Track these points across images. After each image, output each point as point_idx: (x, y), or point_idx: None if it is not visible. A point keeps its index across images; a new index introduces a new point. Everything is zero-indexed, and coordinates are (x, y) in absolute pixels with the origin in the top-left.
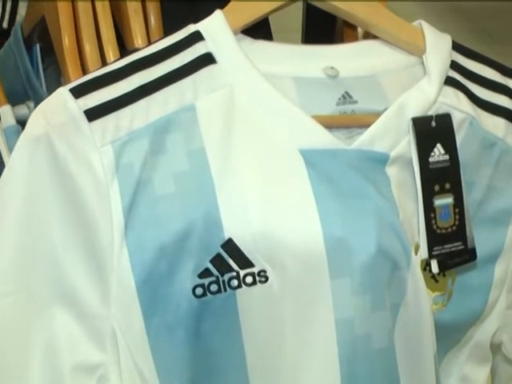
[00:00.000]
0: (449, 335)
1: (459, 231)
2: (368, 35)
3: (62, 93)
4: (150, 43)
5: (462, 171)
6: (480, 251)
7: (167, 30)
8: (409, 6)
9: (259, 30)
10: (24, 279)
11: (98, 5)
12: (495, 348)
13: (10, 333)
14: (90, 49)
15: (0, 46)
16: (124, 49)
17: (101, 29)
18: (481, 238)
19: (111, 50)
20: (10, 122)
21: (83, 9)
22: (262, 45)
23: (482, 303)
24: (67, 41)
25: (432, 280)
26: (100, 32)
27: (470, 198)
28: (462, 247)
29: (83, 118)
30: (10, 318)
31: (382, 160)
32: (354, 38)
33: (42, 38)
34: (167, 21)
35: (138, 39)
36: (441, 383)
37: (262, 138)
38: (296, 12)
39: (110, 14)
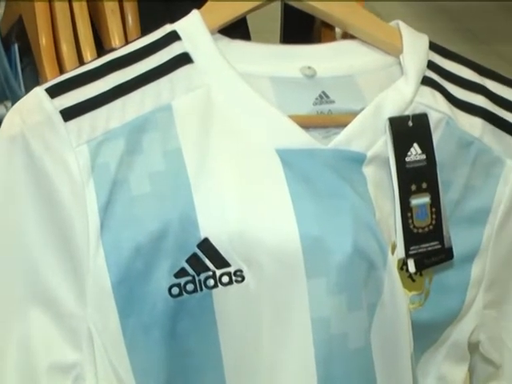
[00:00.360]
0: (426, 334)
1: (436, 231)
2: (346, 35)
3: (38, 92)
4: (127, 43)
5: (438, 171)
6: (457, 251)
7: (144, 30)
8: (394, 6)
9: (237, 29)
10: (0, 279)
11: (76, 5)
12: (473, 347)
13: None
14: (67, 48)
15: None
16: (101, 49)
17: (78, 29)
18: (458, 238)
19: (88, 50)
20: None
21: (60, 9)
22: (239, 44)
23: (459, 302)
24: (44, 40)
25: (409, 279)
26: (77, 32)
27: (446, 198)
28: (439, 246)
29: (59, 117)
30: None
31: (358, 160)
32: (332, 38)
33: (20, 37)
34: (144, 21)
35: (116, 39)
36: (418, 383)
37: (239, 137)
38: (274, 12)
39: (88, 14)
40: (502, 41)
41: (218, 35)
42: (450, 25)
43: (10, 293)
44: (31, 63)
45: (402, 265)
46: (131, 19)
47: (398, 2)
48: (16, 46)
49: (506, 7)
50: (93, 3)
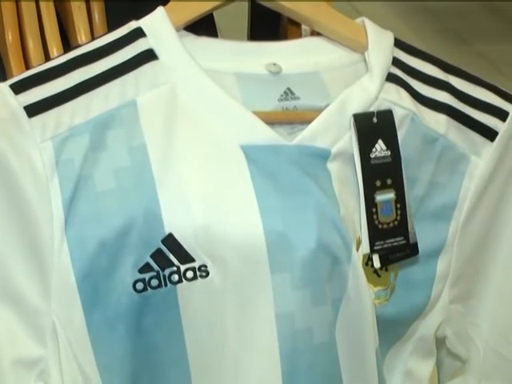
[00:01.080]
0: (392, 329)
1: (401, 226)
2: (314, 33)
3: (2, 88)
4: (93, 39)
5: (403, 167)
6: (422, 246)
7: (111, 27)
8: (376, 6)
9: (203, 26)
10: None
11: (42, 2)
12: (440, 342)
13: None
14: (33, 45)
15: None
16: (68, 45)
17: (44, 25)
18: (423, 234)
19: (55, 47)
20: None
21: (27, 5)
22: (205, 41)
23: (425, 298)
24: (11, 37)
25: (374, 275)
26: (44, 29)
27: (412, 194)
28: (404, 242)
29: (23, 113)
30: None
31: (323, 156)
32: (298, 36)
33: None
34: (111, 17)
35: (82, 36)
36: (384, 378)
37: (203, 133)
38: (243, 10)
39: (54, 11)
40: (483, 41)
41: (184, 32)
42: (432, 25)
43: None
44: None
45: (367, 260)
46: (98, 16)
47: (380, 1)
48: None
49: (488, 7)
50: (59, 2)
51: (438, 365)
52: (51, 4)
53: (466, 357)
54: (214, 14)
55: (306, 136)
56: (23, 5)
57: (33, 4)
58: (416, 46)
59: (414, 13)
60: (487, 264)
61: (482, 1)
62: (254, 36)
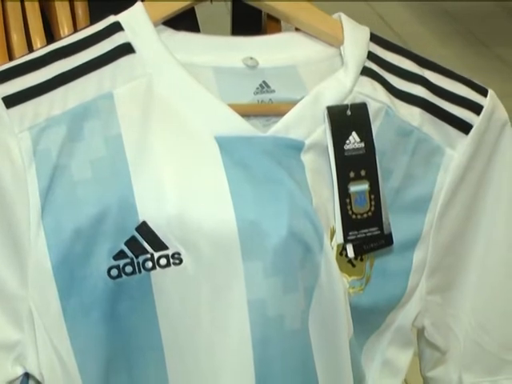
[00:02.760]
0: (369, 319)
1: (375, 217)
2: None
3: None
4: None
5: (378, 159)
6: (398, 237)
7: (94, 21)
8: (395, 8)
9: (184, 22)
10: None
11: None
12: (420, 333)
13: None
14: (17, 38)
15: None
16: (52, 39)
17: (29, 19)
18: (399, 225)
19: (38, 40)
20: None
21: (12, 1)
22: (183, 36)
23: (401, 288)
24: None
25: (349, 264)
26: (28, 23)
27: (387, 186)
28: (378, 232)
29: (1, 104)
30: None
31: (296, 147)
32: (277, 31)
33: None
34: (95, 13)
35: (65, 29)
36: (360, 366)
37: (178, 125)
38: (227, 5)
39: (38, 6)
40: (503, 44)
41: (162, 27)
42: (452, 27)
43: None
44: None
45: (342, 250)
46: (81, 11)
47: (400, 3)
48: None
49: (508, 10)
50: None
51: (420, 355)
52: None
53: (444, 347)
54: (199, 11)
55: (280, 127)
56: (7, 1)
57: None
58: (422, 55)
59: (434, 15)
60: (465, 256)
61: (502, 1)
62: (236, 31)
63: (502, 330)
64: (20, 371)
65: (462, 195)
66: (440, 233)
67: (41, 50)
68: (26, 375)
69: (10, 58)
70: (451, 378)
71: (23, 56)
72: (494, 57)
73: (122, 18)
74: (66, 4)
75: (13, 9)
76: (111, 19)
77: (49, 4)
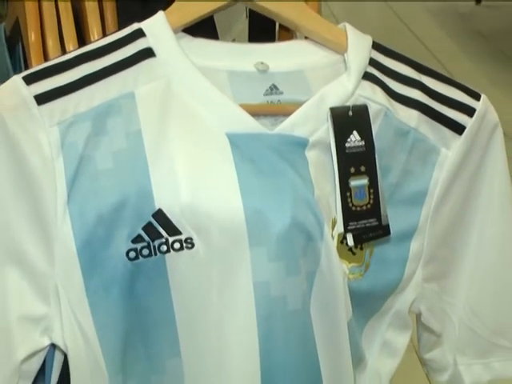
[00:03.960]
0: (368, 303)
1: (374, 209)
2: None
3: (16, 80)
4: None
5: (377, 157)
6: (396, 229)
7: (122, 28)
8: (431, 29)
9: (202, 29)
10: None
11: (61, 5)
12: (417, 318)
13: None
14: (52, 44)
15: None
16: (84, 44)
17: (63, 26)
18: (397, 217)
19: (71, 45)
20: None
21: (47, 8)
22: (200, 42)
23: (399, 275)
24: (33, 37)
25: (349, 252)
26: (62, 29)
27: (386, 181)
28: (376, 223)
29: (33, 101)
30: None
31: (301, 144)
32: (289, 39)
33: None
34: (122, 19)
35: (95, 35)
36: (359, 347)
37: (193, 122)
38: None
39: (71, 14)
40: None
41: (182, 33)
42: (484, 46)
43: None
44: None
45: (343, 239)
46: (110, 18)
47: (435, 24)
48: (20, 46)
49: None
50: (76, 3)
51: (418, 339)
52: (69, 7)
53: (439, 331)
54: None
55: (286, 126)
56: (44, 8)
57: (53, 7)
58: (423, 63)
59: (467, 35)
60: (460, 247)
61: None
62: (252, 40)
63: (494, 317)
64: (47, 342)
65: (456, 191)
66: (435, 225)
67: (69, 54)
68: (53, 346)
69: (46, 61)
70: (447, 360)
71: (53, 59)
72: None
73: (144, 25)
74: (97, 13)
75: (49, 17)
76: (135, 26)
77: (81, 12)
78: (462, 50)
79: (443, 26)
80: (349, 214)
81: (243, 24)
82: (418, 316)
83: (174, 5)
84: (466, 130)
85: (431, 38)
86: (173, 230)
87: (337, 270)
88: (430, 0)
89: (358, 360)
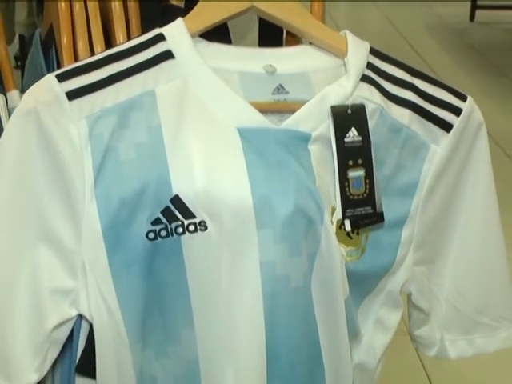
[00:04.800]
0: (363, 283)
1: (369, 198)
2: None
3: (49, 78)
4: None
5: (373, 151)
6: (389, 217)
7: (144, 32)
8: (430, 44)
9: (217, 35)
10: (13, 220)
11: (91, 12)
12: (408, 298)
13: (2, 261)
14: (82, 46)
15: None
16: (110, 46)
17: (92, 31)
18: (390, 206)
19: (99, 48)
20: (16, 103)
21: (78, 15)
22: (215, 46)
23: (391, 258)
24: (65, 40)
25: (347, 237)
26: (91, 33)
27: (381, 173)
28: (372, 211)
29: (64, 97)
30: (4, 248)
31: (304, 138)
32: (295, 44)
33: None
34: (145, 25)
35: (120, 38)
36: (355, 323)
37: (207, 117)
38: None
39: (99, 19)
40: None
41: (198, 38)
42: (478, 60)
43: (23, 231)
44: None
45: (341, 224)
46: (134, 23)
47: (433, 39)
48: (53, 49)
49: None
50: (104, 10)
51: (409, 317)
52: (98, 14)
53: (428, 310)
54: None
55: (291, 122)
56: (76, 15)
57: (83, 14)
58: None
59: (462, 49)
60: (447, 234)
61: None
62: (262, 44)
63: (477, 297)
64: (74, 312)
65: (444, 183)
66: (425, 214)
67: (97, 55)
68: (80, 316)
69: (76, 61)
70: (434, 336)
71: (83, 59)
72: None
73: (165, 30)
74: (122, 19)
75: (80, 23)
76: (156, 31)
77: (109, 18)
78: (456, 63)
79: (440, 41)
80: (347, 202)
81: (255, 33)
82: (409, 296)
83: (192, 13)
84: (453, 128)
85: (429, 53)
86: (188, 213)
87: (335, 252)
88: (428, 18)
89: (354, 335)
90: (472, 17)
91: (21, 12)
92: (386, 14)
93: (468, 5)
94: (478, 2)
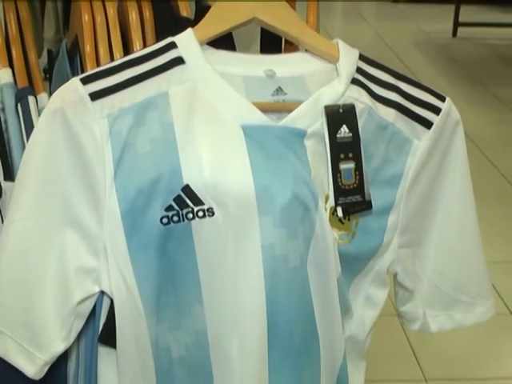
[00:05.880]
0: (354, 264)
1: (359, 187)
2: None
3: (74, 81)
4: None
5: (362, 146)
6: (377, 204)
7: (158, 41)
8: (416, 56)
9: (223, 43)
10: (43, 207)
11: (111, 23)
12: (394, 278)
13: (33, 244)
14: (103, 52)
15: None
16: (128, 53)
17: (112, 40)
18: (378, 195)
19: (118, 54)
20: (44, 104)
21: (100, 26)
22: (221, 53)
23: (379, 242)
24: (88, 48)
25: (339, 222)
26: (111, 41)
27: (369, 166)
28: (361, 199)
29: (88, 98)
30: (33, 233)
31: (301, 134)
32: (293, 51)
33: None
34: (159, 34)
35: (137, 46)
36: (347, 300)
37: (214, 116)
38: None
39: (119, 29)
40: (496, 84)
41: (206, 46)
42: (458, 71)
43: (52, 218)
44: None
45: (334, 211)
46: (149, 33)
47: (420, 53)
48: (78, 57)
49: (501, 57)
50: (123, 21)
51: (395, 294)
52: (117, 25)
53: (412, 288)
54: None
55: (289, 120)
56: (97, 26)
57: (104, 25)
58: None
59: (444, 62)
60: (429, 220)
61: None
62: (263, 51)
63: (456, 277)
64: (97, 289)
65: (426, 174)
66: (409, 202)
67: (117, 61)
68: (101, 292)
69: (98, 66)
70: (418, 312)
71: (104, 65)
72: (489, 94)
73: (176, 38)
74: (139, 29)
75: (101, 33)
76: (169, 39)
77: (127, 29)
78: (440, 74)
79: (425, 54)
80: (339, 191)
81: (258, 46)
82: (395, 276)
83: (200, 23)
84: (433, 125)
85: (416, 65)
86: (197, 201)
87: (329, 236)
88: (415, 34)
89: (346, 310)
90: (454, 33)
91: (49, 30)
92: (376, 30)
93: (451, 22)
94: (460, 20)
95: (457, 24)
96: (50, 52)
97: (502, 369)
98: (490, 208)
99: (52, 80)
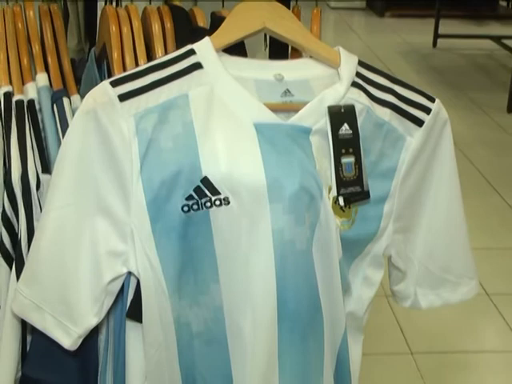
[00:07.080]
0: (353, 247)
1: (358, 179)
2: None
3: (105, 83)
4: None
5: (361, 142)
6: (374, 194)
7: (178, 48)
8: (400, 65)
9: (236, 50)
10: (77, 197)
11: (136, 33)
12: (388, 260)
13: (69, 229)
14: (129, 59)
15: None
16: (151, 60)
17: (137, 47)
18: (375, 186)
19: (142, 61)
20: (77, 105)
21: (126, 35)
22: (235, 59)
23: (376, 228)
24: (115, 55)
25: (340, 210)
26: (136, 49)
27: (367, 160)
28: (360, 190)
29: (117, 99)
30: (69, 220)
31: (306, 131)
32: (298, 57)
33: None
34: (179, 42)
35: (159, 53)
36: (348, 280)
37: (229, 115)
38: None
39: (143, 38)
40: (472, 89)
41: (222, 52)
42: (438, 78)
43: (85, 206)
44: None
45: (336, 200)
46: (170, 41)
47: (404, 62)
48: (105, 64)
49: (476, 66)
50: (146, 31)
51: (389, 275)
52: (141, 34)
53: (404, 269)
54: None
55: (296, 118)
56: (124, 35)
57: (130, 34)
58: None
59: (426, 70)
60: (420, 208)
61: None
62: (272, 57)
63: (443, 259)
64: (125, 270)
65: (417, 168)
66: (402, 192)
67: (142, 66)
68: (129, 273)
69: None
70: (409, 291)
71: (131, 69)
72: (466, 98)
73: (195, 46)
74: (161, 38)
75: (127, 42)
76: (188, 47)
77: (150, 38)
78: (422, 81)
79: (409, 63)
80: (340, 182)
81: (263, 54)
82: (389, 258)
83: (216, 32)
84: (424, 124)
85: (401, 72)
86: (215, 191)
87: (332, 222)
88: (399, 45)
89: (346, 289)
90: (434, 44)
91: (72, 40)
92: (365, 42)
93: (431, 34)
94: (440, 32)
95: (437, 36)
96: (72, 61)
97: (478, 343)
98: (467, 200)
99: (80, 84)
